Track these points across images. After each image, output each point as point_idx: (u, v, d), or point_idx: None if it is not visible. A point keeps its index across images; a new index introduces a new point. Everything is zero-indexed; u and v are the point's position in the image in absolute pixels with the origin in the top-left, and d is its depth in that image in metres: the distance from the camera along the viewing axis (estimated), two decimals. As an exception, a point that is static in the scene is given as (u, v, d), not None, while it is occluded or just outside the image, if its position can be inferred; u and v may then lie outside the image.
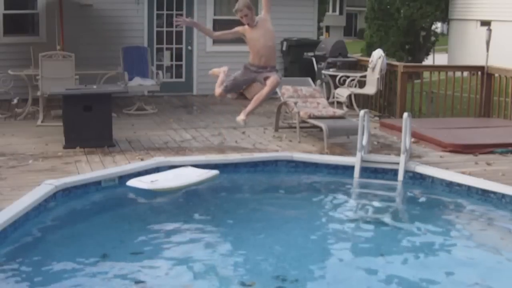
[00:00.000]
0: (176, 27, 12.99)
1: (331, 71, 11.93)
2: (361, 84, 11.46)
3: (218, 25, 13.45)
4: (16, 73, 10.35)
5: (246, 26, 6.72)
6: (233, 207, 6.58)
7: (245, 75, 6.91)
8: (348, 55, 12.80)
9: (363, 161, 7.33)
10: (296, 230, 5.93)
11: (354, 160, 7.37)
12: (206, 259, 5.20)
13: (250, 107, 6.84)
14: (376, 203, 6.69)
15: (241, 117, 6.83)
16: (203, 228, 5.95)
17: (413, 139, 8.35)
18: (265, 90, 6.73)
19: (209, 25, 13.33)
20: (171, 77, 13.46)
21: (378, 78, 11.08)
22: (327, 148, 8.30)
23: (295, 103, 9.07)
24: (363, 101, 11.71)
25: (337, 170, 7.52)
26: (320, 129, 8.51)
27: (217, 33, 7.20)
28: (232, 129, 9.58)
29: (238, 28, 6.80)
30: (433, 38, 23.02)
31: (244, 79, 6.94)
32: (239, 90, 7.10)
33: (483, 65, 11.11)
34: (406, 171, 7.18)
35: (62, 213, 6.11)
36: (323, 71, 11.99)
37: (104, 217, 6.26)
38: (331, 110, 9.14)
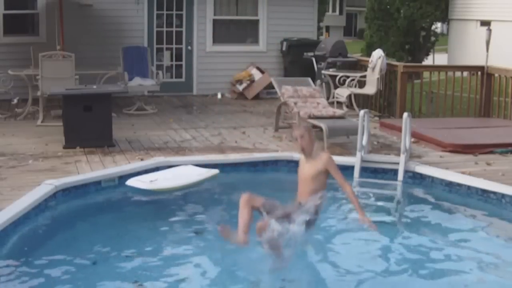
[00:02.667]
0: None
1: (331, 71, 11.93)
2: (361, 84, 11.46)
3: (218, 25, 13.49)
4: (16, 73, 10.35)
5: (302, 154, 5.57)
6: (233, 207, 6.56)
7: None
8: (348, 55, 12.80)
9: (363, 161, 7.33)
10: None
11: (354, 160, 7.37)
12: (206, 259, 5.20)
13: (276, 263, 5.06)
14: (376, 203, 6.68)
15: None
16: (203, 228, 5.95)
17: (413, 139, 8.35)
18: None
19: (209, 25, 13.37)
20: (171, 77, 13.46)
21: (378, 78, 11.08)
22: (327, 148, 8.30)
23: (295, 103, 9.08)
24: (363, 101, 11.71)
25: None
26: (320, 129, 8.51)
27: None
28: (232, 129, 9.59)
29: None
30: (433, 38, 23.01)
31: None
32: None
33: (483, 65, 11.11)
34: (406, 171, 7.18)
35: (62, 213, 6.11)
36: (323, 71, 11.99)
37: (104, 217, 6.27)
38: (331, 110, 9.14)
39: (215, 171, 7.09)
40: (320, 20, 19.64)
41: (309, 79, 10.16)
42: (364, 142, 7.41)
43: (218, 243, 5.61)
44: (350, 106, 11.36)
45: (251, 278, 4.83)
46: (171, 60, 13.49)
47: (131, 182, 6.59)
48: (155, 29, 13.20)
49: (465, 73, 11.43)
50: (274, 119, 9.63)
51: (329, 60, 12.21)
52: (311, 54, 12.71)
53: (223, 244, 5.59)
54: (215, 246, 5.54)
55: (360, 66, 12.24)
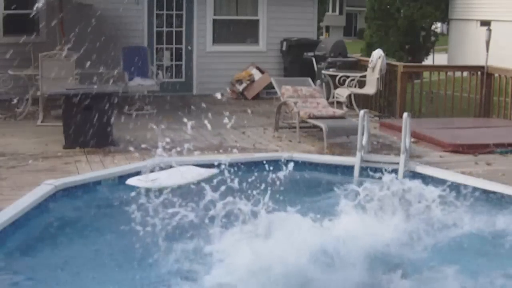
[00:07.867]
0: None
1: (331, 71, 11.93)
2: (361, 84, 11.46)
3: (218, 25, 13.49)
4: (16, 73, 10.36)
5: None
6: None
7: None
8: (348, 55, 12.80)
9: (363, 161, 7.33)
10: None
11: (354, 160, 7.37)
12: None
13: None
14: (376, 203, 6.67)
15: None
16: (203, 227, 5.94)
17: (413, 139, 8.35)
18: None
19: (209, 25, 13.37)
20: (171, 77, 13.46)
21: (378, 78, 11.08)
22: (327, 148, 8.30)
23: (295, 103, 9.07)
24: (363, 101, 11.71)
25: (337, 170, 7.51)
26: (320, 129, 8.51)
27: None
28: (232, 129, 9.58)
29: None
30: (433, 38, 23.03)
31: None
32: None
33: (483, 65, 11.11)
34: (406, 171, 7.18)
35: (62, 213, 6.11)
36: (323, 71, 11.99)
37: (104, 217, 6.26)
38: (331, 110, 9.15)
39: (214, 171, 7.08)
40: (320, 20, 19.67)
41: (309, 79, 10.16)
42: (364, 142, 7.41)
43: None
44: (350, 106, 11.36)
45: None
46: (171, 60, 13.50)
47: (131, 181, 6.59)
48: (155, 29, 13.21)
49: (465, 73, 11.43)
50: (274, 119, 9.63)
51: (329, 60, 12.22)
52: (311, 54, 12.71)
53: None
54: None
55: (360, 66, 12.24)
